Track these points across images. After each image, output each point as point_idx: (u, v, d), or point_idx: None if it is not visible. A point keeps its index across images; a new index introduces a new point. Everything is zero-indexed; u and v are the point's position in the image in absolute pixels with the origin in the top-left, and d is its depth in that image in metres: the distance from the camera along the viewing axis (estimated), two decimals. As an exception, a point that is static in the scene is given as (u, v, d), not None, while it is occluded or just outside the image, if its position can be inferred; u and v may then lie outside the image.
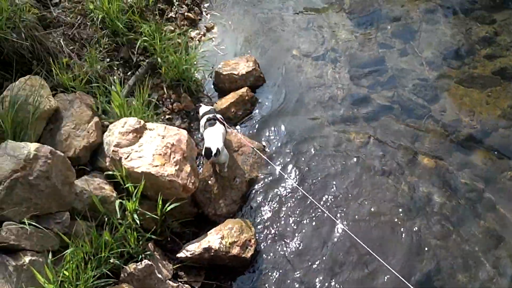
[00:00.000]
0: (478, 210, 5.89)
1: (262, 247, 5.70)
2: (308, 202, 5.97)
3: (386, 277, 5.27)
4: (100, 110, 5.98)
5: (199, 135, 6.51)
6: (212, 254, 5.30)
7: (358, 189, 6.16)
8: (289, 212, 5.99)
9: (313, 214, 5.88)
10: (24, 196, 4.42)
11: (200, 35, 8.16)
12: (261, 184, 6.31)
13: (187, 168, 5.52)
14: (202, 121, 6.23)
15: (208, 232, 5.54)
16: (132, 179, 5.25)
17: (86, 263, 4.58)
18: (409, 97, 7.15)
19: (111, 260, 4.74)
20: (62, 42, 6.25)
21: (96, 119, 5.73)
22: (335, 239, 5.69)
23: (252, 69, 7.39)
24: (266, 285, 5.42)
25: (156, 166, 5.30)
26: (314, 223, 5.85)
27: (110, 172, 5.35)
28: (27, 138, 4.98)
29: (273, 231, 5.85)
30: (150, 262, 4.90)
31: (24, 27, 5.65)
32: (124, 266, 4.80)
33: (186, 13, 8.30)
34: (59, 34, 6.34)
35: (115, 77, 6.50)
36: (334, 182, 6.24)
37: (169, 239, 5.56)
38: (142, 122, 5.68)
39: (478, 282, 5.33)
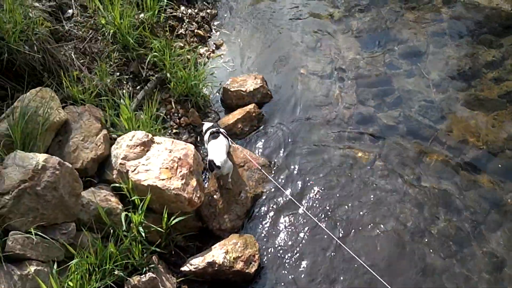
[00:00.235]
0: (483, 232, 5.86)
1: (266, 263, 5.70)
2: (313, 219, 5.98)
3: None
4: (108, 123, 6.04)
5: (205, 150, 6.53)
6: (216, 268, 5.30)
7: (362, 208, 6.15)
8: (293, 229, 5.99)
9: (317, 232, 5.87)
10: (31, 206, 4.46)
11: (209, 52, 8.27)
12: (266, 200, 6.32)
13: (193, 182, 5.55)
14: (206, 136, 6.29)
15: (213, 247, 5.56)
16: (139, 191, 5.29)
17: (90, 274, 4.60)
18: (415, 118, 7.16)
19: (116, 272, 4.75)
20: (73, 56, 6.34)
21: (104, 131, 5.79)
22: (339, 258, 5.67)
23: (260, 86, 7.46)
24: (269, 301, 5.42)
25: (163, 179, 5.34)
26: (318, 241, 5.84)
27: (117, 185, 5.38)
28: (36, 149, 5.03)
29: (277, 247, 5.85)
30: (154, 275, 4.91)
31: (36, 40, 5.73)
32: (128, 278, 4.81)
33: (196, 30, 8.42)
34: (70, 48, 6.43)
35: (124, 91, 6.58)
36: (339, 201, 6.24)
37: (173, 252, 5.58)
38: (150, 135, 5.74)
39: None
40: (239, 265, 5.39)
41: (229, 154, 6.31)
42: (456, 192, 6.25)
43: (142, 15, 7.39)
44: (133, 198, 5.26)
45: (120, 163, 5.43)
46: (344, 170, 6.59)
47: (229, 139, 6.37)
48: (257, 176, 6.44)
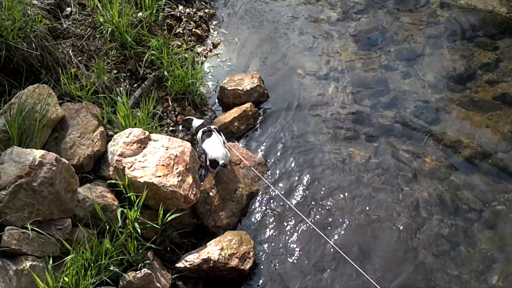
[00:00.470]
0: (475, 232, 5.92)
1: (261, 260, 5.74)
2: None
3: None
4: (105, 120, 6.06)
5: (199, 148, 6.57)
6: (211, 265, 5.33)
7: (356, 207, 6.20)
8: (288, 227, 6.04)
9: (311, 230, 5.89)
10: (27, 202, 4.47)
11: (206, 51, 8.29)
12: (261, 197, 6.37)
13: (189, 179, 5.58)
14: (199, 135, 6.34)
15: (208, 243, 5.59)
16: (135, 188, 5.31)
17: (86, 270, 4.61)
18: (410, 118, 7.21)
19: (111, 268, 4.76)
20: (71, 53, 6.36)
21: (101, 128, 5.80)
22: (332, 256, 5.71)
23: (257, 85, 7.50)
24: (264, 298, 5.45)
25: (159, 176, 5.37)
26: (312, 239, 5.88)
27: (113, 181, 5.40)
28: (32, 145, 5.04)
29: (271, 244, 5.89)
30: (149, 271, 4.93)
31: (34, 37, 5.75)
32: (123, 274, 4.82)
33: (193, 29, 8.45)
34: (68, 45, 6.45)
35: (121, 89, 6.62)
36: (333, 199, 6.28)
37: (168, 249, 5.60)
38: (147, 133, 5.77)
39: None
40: (234, 262, 5.41)
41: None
42: (449, 192, 6.30)
43: (140, 13, 7.41)
44: (129, 195, 5.28)
45: (117, 160, 5.46)
46: (339, 169, 6.64)
47: (221, 133, 6.41)
48: (252, 174, 6.48)
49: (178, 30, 8.20)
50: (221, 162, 5.89)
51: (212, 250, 5.44)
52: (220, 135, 6.30)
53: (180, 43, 7.93)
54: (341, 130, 7.13)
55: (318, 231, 5.45)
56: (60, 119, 5.56)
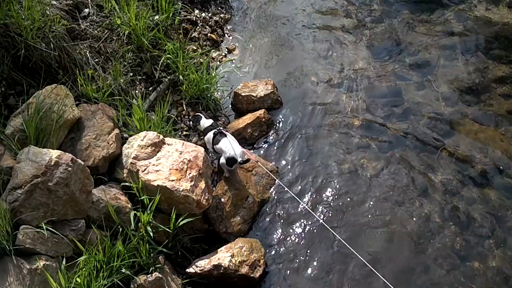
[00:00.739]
0: (488, 247, 5.89)
1: (271, 268, 5.74)
2: (319, 225, 6.02)
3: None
4: (120, 122, 6.10)
5: (210, 153, 6.55)
6: (221, 271, 5.34)
7: (369, 216, 6.20)
8: (300, 235, 6.04)
9: (324, 238, 5.91)
10: (42, 201, 4.53)
11: (221, 56, 8.31)
12: (273, 205, 6.37)
13: (202, 184, 5.60)
14: (209, 137, 6.34)
15: (218, 250, 5.59)
16: (148, 191, 5.34)
17: (98, 271, 4.65)
18: (423, 130, 7.18)
19: (123, 270, 4.79)
20: (88, 54, 6.40)
21: (116, 131, 5.84)
22: (345, 264, 5.71)
23: (270, 92, 7.50)
24: (273, 306, 5.46)
25: (172, 180, 5.39)
26: (324, 247, 5.89)
27: (127, 184, 5.44)
28: (49, 145, 5.10)
29: (282, 253, 5.88)
30: (160, 275, 4.96)
31: (53, 37, 5.80)
32: (134, 277, 4.85)
33: (209, 34, 8.47)
34: (85, 46, 6.50)
35: (137, 91, 6.66)
36: (346, 208, 6.28)
37: (179, 253, 5.62)
38: (161, 136, 5.79)
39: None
40: (244, 269, 5.42)
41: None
42: (462, 206, 6.27)
43: (157, 17, 7.44)
44: (142, 198, 5.31)
45: (131, 163, 5.48)
46: (351, 178, 6.63)
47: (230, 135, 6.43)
48: (264, 182, 6.49)
49: (193, 35, 8.22)
50: (239, 159, 5.94)
51: (223, 256, 5.44)
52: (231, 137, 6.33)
53: (195, 48, 7.96)
54: (353, 139, 7.11)
55: (341, 239, 5.44)
56: (76, 120, 5.61)
